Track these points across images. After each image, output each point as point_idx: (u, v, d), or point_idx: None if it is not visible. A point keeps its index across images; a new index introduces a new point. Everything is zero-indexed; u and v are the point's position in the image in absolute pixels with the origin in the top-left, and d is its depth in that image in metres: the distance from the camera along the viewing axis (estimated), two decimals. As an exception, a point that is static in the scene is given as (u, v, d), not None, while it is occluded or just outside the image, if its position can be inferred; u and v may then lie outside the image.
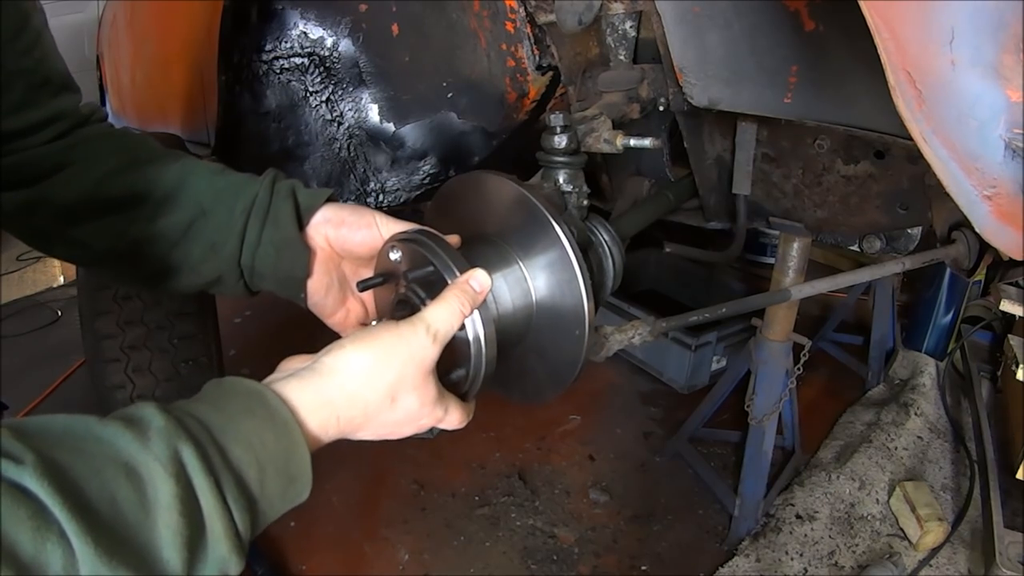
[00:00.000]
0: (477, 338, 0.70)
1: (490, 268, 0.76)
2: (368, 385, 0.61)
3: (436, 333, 0.65)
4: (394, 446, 2.37)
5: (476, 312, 0.70)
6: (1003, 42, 0.58)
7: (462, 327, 0.70)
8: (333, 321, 0.85)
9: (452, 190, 0.87)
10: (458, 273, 0.70)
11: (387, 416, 0.63)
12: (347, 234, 0.80)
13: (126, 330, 1.67)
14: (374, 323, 0.80)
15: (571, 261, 0.75)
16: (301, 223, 0.79)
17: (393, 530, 2.18)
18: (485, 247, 0.80)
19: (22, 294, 3.69)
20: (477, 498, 2.31)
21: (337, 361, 0.61)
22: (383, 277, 0.77)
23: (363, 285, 0.77)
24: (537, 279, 0.79)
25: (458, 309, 0.67)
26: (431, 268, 0.71)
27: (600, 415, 2.79)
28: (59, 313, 3.52)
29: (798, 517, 2.14)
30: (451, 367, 0.71)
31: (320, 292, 0.82)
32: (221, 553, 0.49)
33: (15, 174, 0.73)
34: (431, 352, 0.65)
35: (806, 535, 2.08)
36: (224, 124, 1.61)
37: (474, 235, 0.82)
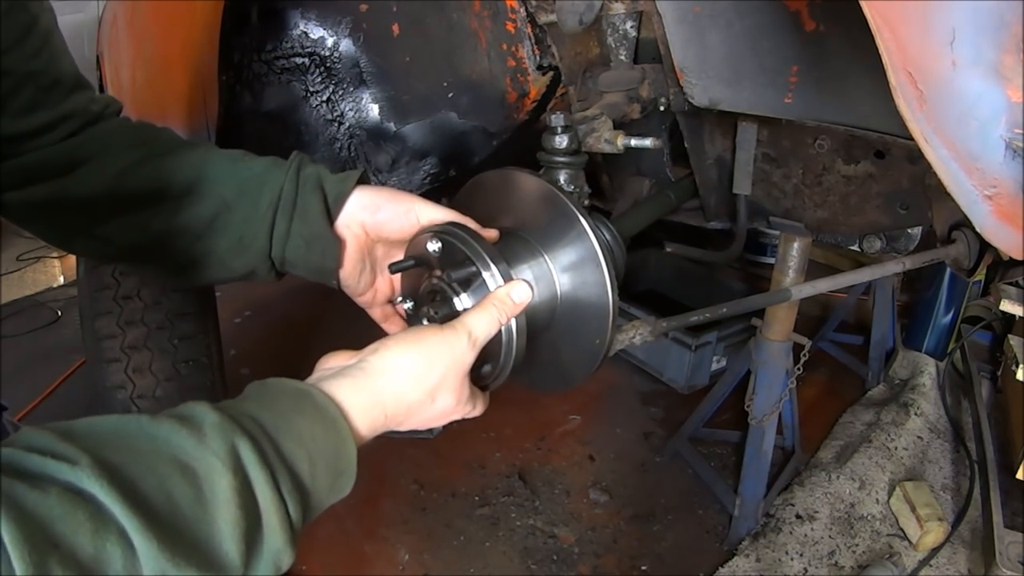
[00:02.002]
0: (510, 333, 0.73)
1: (518, 261, 0.79)
2: (414, 387, 0.63)
3: (476, 340, 0.68)
4: (394, 446, 2.37)
5: None
6: (1004, 42, 0.58)
7: None
8: (362, 300, 0.86)
9: (480, 184, 0.89)
10: (500, 278, 0.73)
11: (425, 413, 0.66)
12: (384, 220, 0.80)
13: (126, 330, 1.67)
14: (398, 300, 0.84)
15: (597, 254, 0.78)
16: (331, 214, 0.78)
17: (393, 530, 2.17)
18: (512, 240, 0.82)
19: (22, 294, 3.69)
20: (477, 498, 2.31)
21: (386, 362, 0.63)
22: (415, 261, 0.79)
23: (395, 268, 0.79)
24: (562, 273, 0.81)
25: (497, 319, 0.71)
26: (473, 269, 0.74)
27: (600, 415, 2.79)
28: (59, 313, 3.52)
29: (798, 517, 2.14)
30: (480, 361, 0.73)
31: (353, 276, 0.83)
32: (276, 545, 0.50)
33: (27, 173, 0.73)
34: (470, 357, 0.68)
35: (806, 535, 2.08)
36: (225, 124, 1.61)
37: (501, 228, 0.84)
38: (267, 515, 0.49)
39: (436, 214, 0.79)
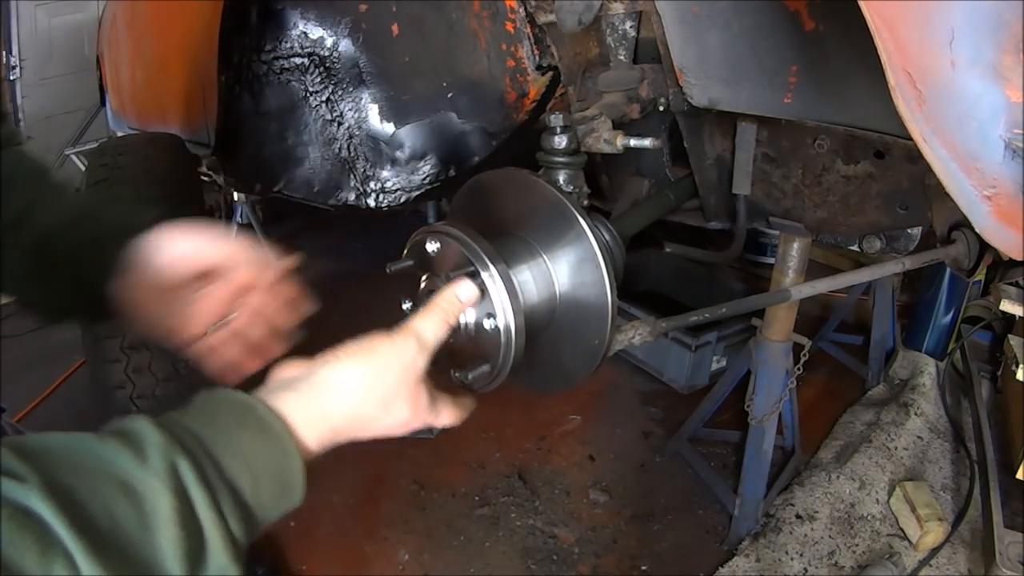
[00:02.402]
0: (508, 333, 0.73)
1: (516, 261, 0.80)
2: (364, 398, 0.62)
3: (426, 344, 0.67)
4: (394, 446, 2.37)
5: (508, 303, 0.72)
6: (1002, 42, 0.58)
7: (492, 316, 0.72)
8: (177, 341, 0.82)
9: (479, 184, 0.89)
10: (499, 278, 0.72)
11: (380, 423, 0.65)
12: (163, 266, 0.78)
13: (126, 330, 1.67)
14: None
15: (596, 255, 0.78)
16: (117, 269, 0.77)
17: (393, 530, 2.17)
18: (511, 241, 0.83)
19: (22, 294, 3.69)
20: (477, 498, 2.31)
21: (333, 374, 0.62)
22: (413, 262, 0.79)
23: (393, 268, 0.79)
24: (561, 273, 0.81)
25: (444, 320, 0.70)
26: (472, 269, 0.74)
27: (600, 415, 2.79)
28: (59, 313, 3.51)
29: (798, 517, 2.14)
30: (476, 360, 0.73)
31: (156, 327, 0.80)
32: (221, 562, 0.50)
33: None
34: (421, 362, 0.66)
35: (806, 535, 2.08)
36: (224, 124, 1.61)
37: (499, 229, 0.84)
38: (209, 534, 0.49)
39: (228, 249, 0.78)
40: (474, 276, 0.74)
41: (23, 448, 0.45)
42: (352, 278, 4.04)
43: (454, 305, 0.71)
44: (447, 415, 0.71)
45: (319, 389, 0.61)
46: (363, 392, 0.62)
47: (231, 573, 0.51)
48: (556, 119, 0.93)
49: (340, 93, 1.44)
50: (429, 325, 0.68)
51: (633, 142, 1.08)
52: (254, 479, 0.54)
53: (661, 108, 1.22)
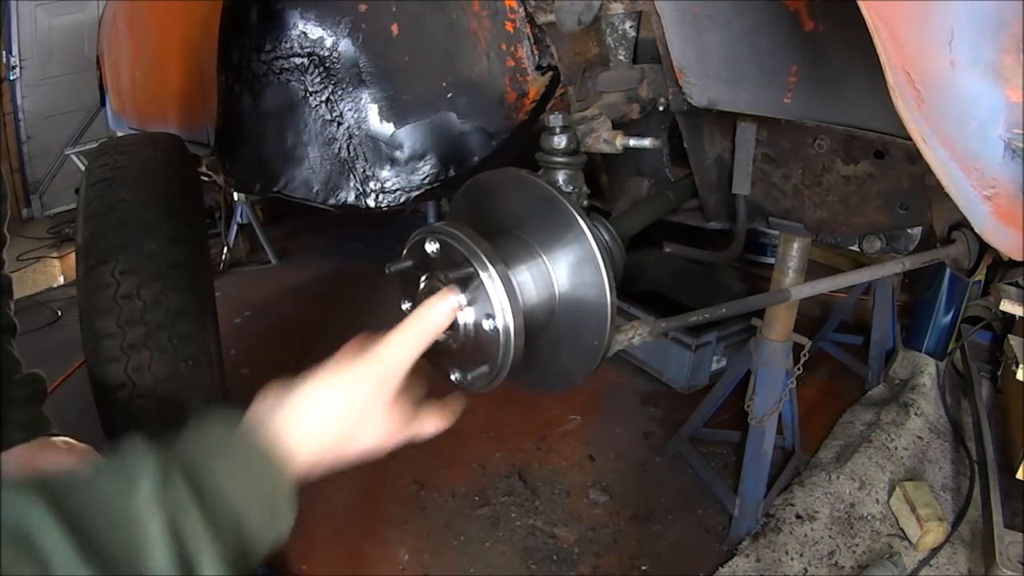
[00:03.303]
0: (508, 333, 0.72)
1: (516, 261, 0.80)
2: (330, 428, 0.66)
3: (393, 368, 0.68)
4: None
5: (507, 303, 0.72)
6: (1002, 42, 0.58)
7: (491, 317, 0.72)
8: None
9: (478, 184, 0.89)
10: (497, 278, 0.72)
11: (356, 444, 0.68)
12: None
13: (126, 330, 1.66)
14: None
15: (595, 255, 0.78)
16: None
17: (393, 530, 2.17)
18: (511, 241, 0.83)
19: (22, 294, 3.69)
20: (477, 498, 2.31)
21: (303, 402, 0.65)
22: (412, 262, 0.80)
23: (393, 269, 0.80)
24: (561, 273, 0.81)
25: (415, 342, 0.69)
26: (471, 269, 0.74)
27: (600, 415, 2.78)
28: (59, 313, 3.52)
29: (798, 517, 2.14)
30: (476, 361, 0.73)
31: None
32: None
33: None
34: (390, 385, 0.67)
35: (806, 535, 2.08)
36: (224, 124, 1.61)
37: (498, 229, 0.85)
38: (199, 556, 0.53)
39: None
40: (473, 276, 0.74)
41: (32, 481, 0.50)
42: (352, 278, 4.04)
43: (429, 325, 0.71)
44: (431, 425, 0.72)
45: (291, 418, 0.64)
46: (327, 421, 0.65)
47: None
48: (556, 119, 0.94)
49: (340, 93, 1.44)
50: (397, 350, 0.68)
51: (633, 142, 1.07)
52: (244, 508, 0.58)
53: (661, 108, 1.22)
